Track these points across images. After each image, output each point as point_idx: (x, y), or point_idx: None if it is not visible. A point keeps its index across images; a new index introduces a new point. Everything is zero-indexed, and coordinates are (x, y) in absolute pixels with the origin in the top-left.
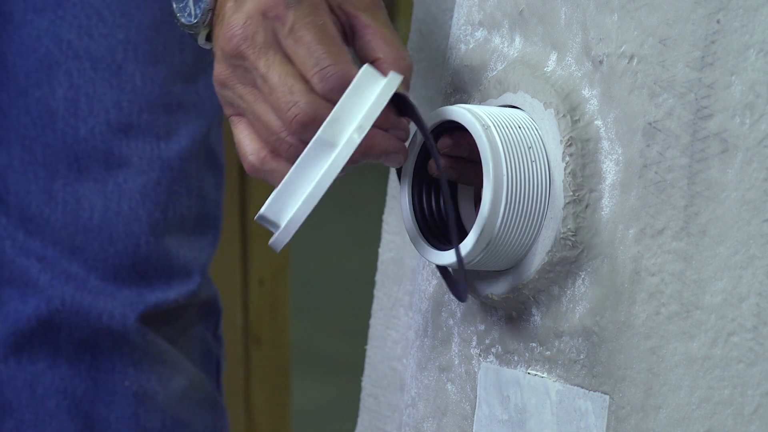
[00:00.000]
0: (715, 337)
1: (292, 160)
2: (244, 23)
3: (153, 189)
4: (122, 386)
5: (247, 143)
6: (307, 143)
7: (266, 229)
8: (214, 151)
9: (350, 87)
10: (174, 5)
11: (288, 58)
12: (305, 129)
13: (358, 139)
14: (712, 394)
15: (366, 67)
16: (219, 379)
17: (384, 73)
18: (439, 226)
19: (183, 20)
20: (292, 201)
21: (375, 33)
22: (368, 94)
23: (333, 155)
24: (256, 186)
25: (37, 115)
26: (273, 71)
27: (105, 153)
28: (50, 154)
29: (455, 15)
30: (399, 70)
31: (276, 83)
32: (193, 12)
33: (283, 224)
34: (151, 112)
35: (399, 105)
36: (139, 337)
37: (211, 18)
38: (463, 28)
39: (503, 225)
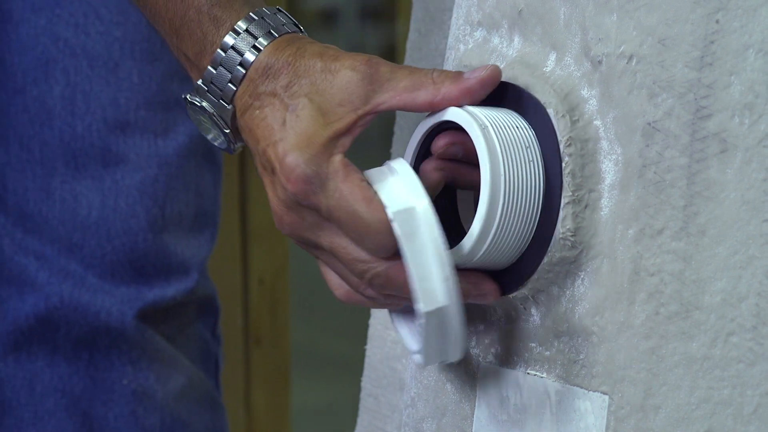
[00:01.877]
0: (714, 337)
1: (377, 297)
2: (287, 210)
3: (150, 186)
4: (120, 384)
5: (332, 278)
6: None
7: (266, 228)
8: (211, 148)
9: (402, 243)
10: (199, 125)
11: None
12: (383, 288)
13: (453, 286)
14: (711, 394)
15: (394, 215)
16: (218, 378)
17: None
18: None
19: (212, 142)
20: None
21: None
22: (422, 236)
23: (448, 314)
24: (256, 186)
25: (34, 113)
26: (336, 243)
27: (102, 150)
28: (48, 152)
29: (454, 15)
30: (474, 89)
31: (343, 257)
32: (216, 138)
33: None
34: (149, 109)
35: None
36: (137, 334)
37: (234, 137)
38: (462, 28)
39: (501, 225)
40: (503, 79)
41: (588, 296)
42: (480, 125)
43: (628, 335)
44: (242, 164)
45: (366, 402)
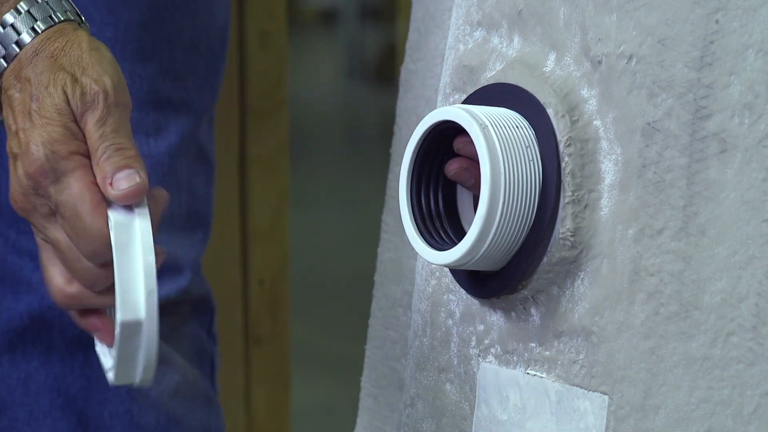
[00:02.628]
0: (714, 337)
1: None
2: (22, 196)
3: None
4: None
5: (50, 272)
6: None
7: (266, 229)
8: (203, 148)
9: (114, 251)
10: None
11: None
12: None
13: (155, 301)
14: (711, 395)
15: (112, 223)
16: (214, 377)
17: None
18: (437, 225)
19: None
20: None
21: (101, 154)
22: (133, 247)
23: (144, 331)
24: (256, 186)
25: None
26: (59, 238)
27: None
28: None
29: (454, 15)
30: (129, 194)
31: (65, 251)
32: None
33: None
34: (140, 109)
35: None
36: None
37: None
38: (461, 28)
39: (501, 225)
40: (502, 80)
41: (588, 296)
42: (480, 125)
43: (628, 335)
44: (242, 164)
45: (365, 402)
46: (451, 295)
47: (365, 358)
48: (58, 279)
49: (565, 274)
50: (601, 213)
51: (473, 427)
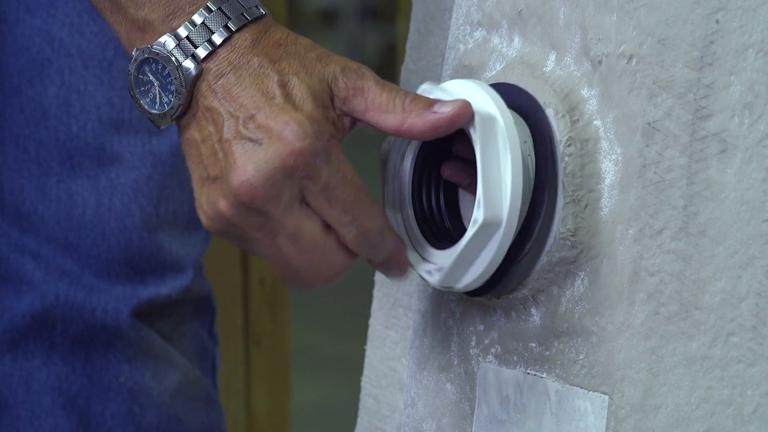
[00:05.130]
0: (714, 337)
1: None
2: (267, 183)
3: (145, 184)
4: (117, 382)
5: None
6: None
7: None
8: None
9: (478, 145)
10: (134, 88)
11: (314, 211)
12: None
13: (518, 204)
14: (711, 394)
15: (477, 118)
16: (215, 377)
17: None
18: (438, 224)
19: (145, 107)
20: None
21: (405, 103)
22: (498, 142)
23: (499, 233)
24: None
25: (30, 113)
26: (302, 229)
27: (97, 149)
28: (43, 152)
29: (454, 15)
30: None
31: (308, 243)
32: (159, 100)
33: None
34: None
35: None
36: (132, 332)
37: (180, 113)
38: (462, 28)
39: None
40: (503, 80)
41: (588, 296)
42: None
43: (628, 335)
44: None
45: (366, 402)
46: (451, 295)
47: (365, 358)
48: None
49: (566, 274)
50: (602, 213)
51: (473, 427)
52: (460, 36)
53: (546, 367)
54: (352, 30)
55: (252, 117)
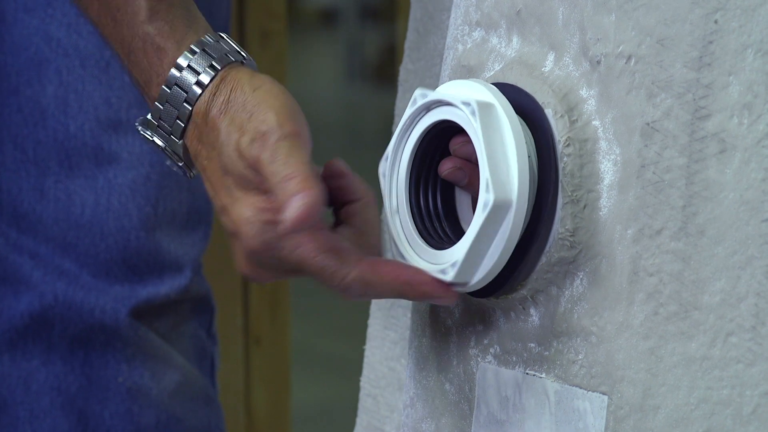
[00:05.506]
0: (713, 337)
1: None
2: (249, 267)
3: (143, 184)
4: (116, 382)
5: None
6: None
7: None
8: None
9: (480, 131)
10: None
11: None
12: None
13: (527, 185)
14: (710, 395)
15: (475, 105)
16: (213, 377)
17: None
18: (435, 226)
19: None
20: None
21: (277, 192)
22: (500, 126)
23: (510, 216)
24: None
25: (28, 113)
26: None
27: (95, 149)
28: (41, 152)
29: (452, 15)
30: (299, 216)
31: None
32: (176, 169)
33: (475, 280)
34: (140, 107)
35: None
36: (131, 332)
37: (188, 168)
38: (460, 28)
39: None
40: (501, 80)
41: (587, 296)
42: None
43: (627, 335)
44: None
45: (365, 402)
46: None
47: (365, 358)
48: None
49: (565, 274)
50: (600, 213)
51: (472, 427)
52: (458, 36)
53: (545, 367)
54: (352, 30)
55: (223, 208)
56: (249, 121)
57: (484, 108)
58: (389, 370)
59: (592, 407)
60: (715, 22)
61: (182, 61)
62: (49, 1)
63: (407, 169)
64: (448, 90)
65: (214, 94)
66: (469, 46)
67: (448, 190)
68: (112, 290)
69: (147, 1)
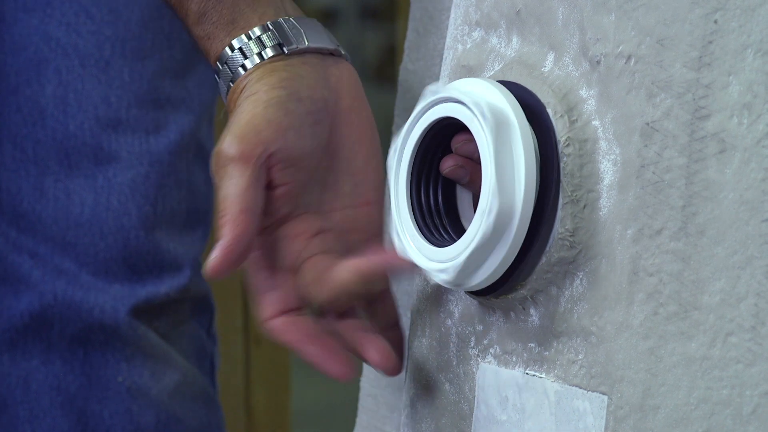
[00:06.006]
0: (713, 337)
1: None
2: None
3: (142, 183)
4: (115, 382)
5: None
6: None
7: None
8: (203, 146)
9: (491, 135)
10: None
11: None
12: None
13: (533, 194)
14: (710, 395)
15: (485, 107)
16: (213, 377)
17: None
18: (437, 223)
19: None
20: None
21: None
22: (510, 131)
23: (514, 223)
24: None
25: (27, 112)
26: None
27: (94, 148)
28: (41, 151)
29: (452, 15)
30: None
31: None
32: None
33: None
34: (140, 107)
35: None
36: (131, 331)
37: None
38: (460, 28)
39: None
40: (502, 78)
41: (587, 296)
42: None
43: (627, 335)
44: None
45: (365, 402)
46: (450, 295)
47: None
48: None
49: (564, 274)
50: (600, 213)
51: (472, 428)
52: (458, 36)
53: (545, 367)
54: (352, 30)
55: None
56: (222, 135)
57: (497, 113)
58: None
59: (592, 407)
60: (715, 22)
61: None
62: (49, 1)
63: (409, 165)
64: (459, 87)
65: (232, 95)
66: (468, 46)
67: (449, 187)
68: (111, 289)
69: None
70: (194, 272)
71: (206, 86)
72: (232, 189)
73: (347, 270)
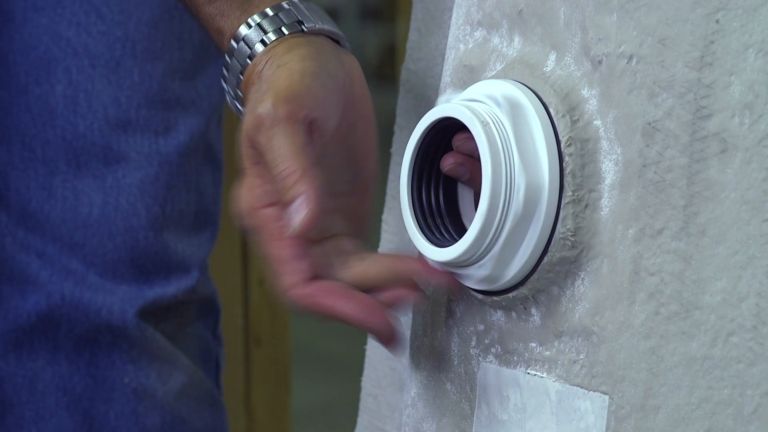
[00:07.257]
0: (714, 337)
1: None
2: None
3: (151, 184)
4: (121, 383)
5: None
6: None
7: None
8: (212, 147)
9: (508, 116)
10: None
11: None
12: None
13: (558, 170)
14: (711, 394)
15: (500, 95)
16: (218, 379)
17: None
18: (438, 222)
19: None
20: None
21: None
22: (530, 123)
23: (544, 202)
24: None
25: (37, 112)
26: None
27: (103, 149)
28: (50, 151)
29: (454, 15)
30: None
31: None
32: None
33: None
34: (150, 107)
35: None
36: (138, 332)
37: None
38: (462, 27)
39: (501, 221)
40: (502, 78)
41: (588, 296)
42: (481, 122)
43: (628, 335)
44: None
45: (366, 402)
46: (451, 295)
47: (365, 358)
48: None
49: (566, 274)
50: (602, 213)
51: (473, 427)
52: (460, 36)
53: (546, 367)
54: (352, 30)
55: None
56: (258, 101)
57: (513, 101)
58: (390, 369)
59: (593, 407)
60: (717, 21)
61: (243, 29)
62: (59, 0)
63: (409, 166)
64: (470, 90)
65: (255, 65)
66: (470, 46)
67: (450, 188)
68: (119, 290)
69: None
70: (202, 274)
71: (216, 88)
72: (291, 147)
73: (380, 265)
